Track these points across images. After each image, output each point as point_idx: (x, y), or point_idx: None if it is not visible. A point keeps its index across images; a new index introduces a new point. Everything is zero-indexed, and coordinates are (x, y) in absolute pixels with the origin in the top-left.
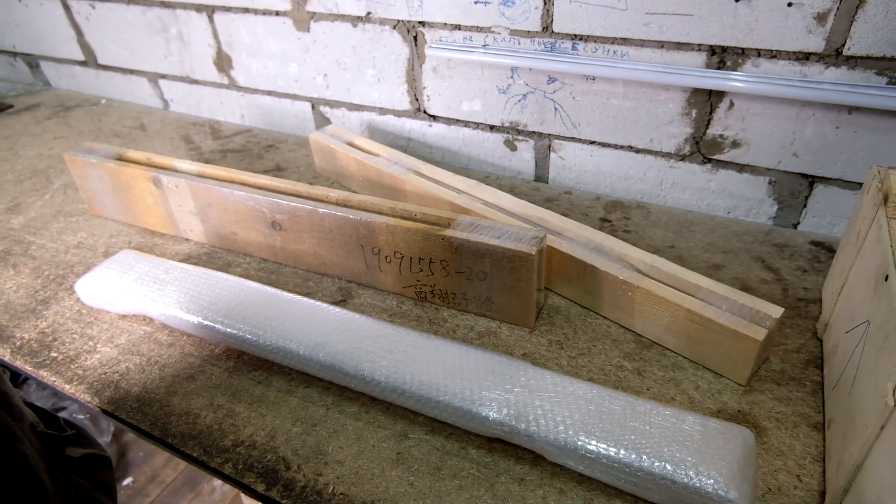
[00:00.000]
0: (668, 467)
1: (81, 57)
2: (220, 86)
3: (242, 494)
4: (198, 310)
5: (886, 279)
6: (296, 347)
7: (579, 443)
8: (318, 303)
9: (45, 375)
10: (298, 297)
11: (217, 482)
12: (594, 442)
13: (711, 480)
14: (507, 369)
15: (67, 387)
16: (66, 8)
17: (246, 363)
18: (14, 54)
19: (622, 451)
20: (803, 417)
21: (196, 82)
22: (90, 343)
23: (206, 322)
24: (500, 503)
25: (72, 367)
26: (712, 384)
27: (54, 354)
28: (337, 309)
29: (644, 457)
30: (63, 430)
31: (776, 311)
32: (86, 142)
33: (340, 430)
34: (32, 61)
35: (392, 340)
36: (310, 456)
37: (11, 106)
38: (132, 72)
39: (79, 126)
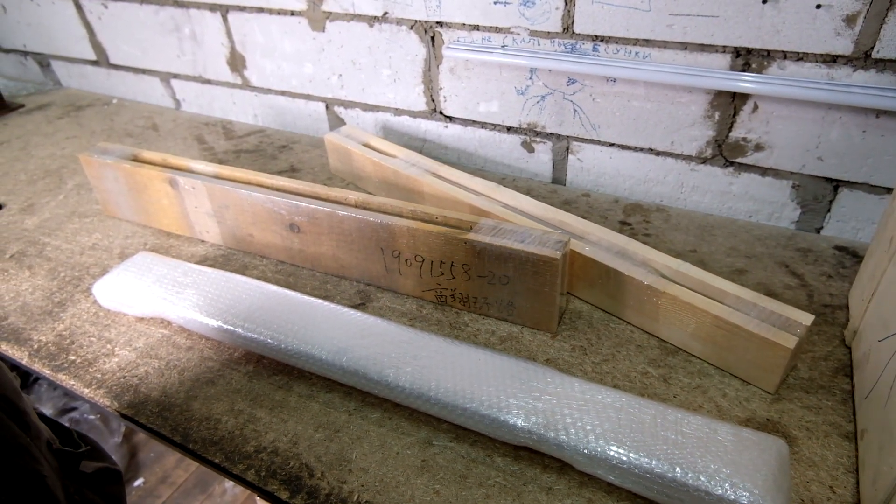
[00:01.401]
0: (702, 479)
1: (93, 56)
2: (234, 86)
3: (259, 501)
4: (217, 313)
5: None
6: (318, 352)
7: (610, 452)
8: (339, 307)
9: (63, 379)
10: (319, 300)
11: (228, 484)
12: (625, 451)
13: (747, 493)
14: (534, 376)
15: (86, 391)
16: (79, 7)
17: (266, 367)
18: (25, 53)
19: (654, 462)
20: (834, 427)
21: (209, 82)
22: (108, 346)
23: (227, 326)
24: None
25: (90, 370)
26: (740, 392)
27: (72, 357)
28: (358, 313)
29: (677, 468)
30: (77, 445)
31: (806, 319)
32: (100, 142)
33: (364, 436)
34: (43, 60)
35: (416, 346)
36: (333, 463)
37: (23, 105)
38: (144, 71)
39: (91, 126)
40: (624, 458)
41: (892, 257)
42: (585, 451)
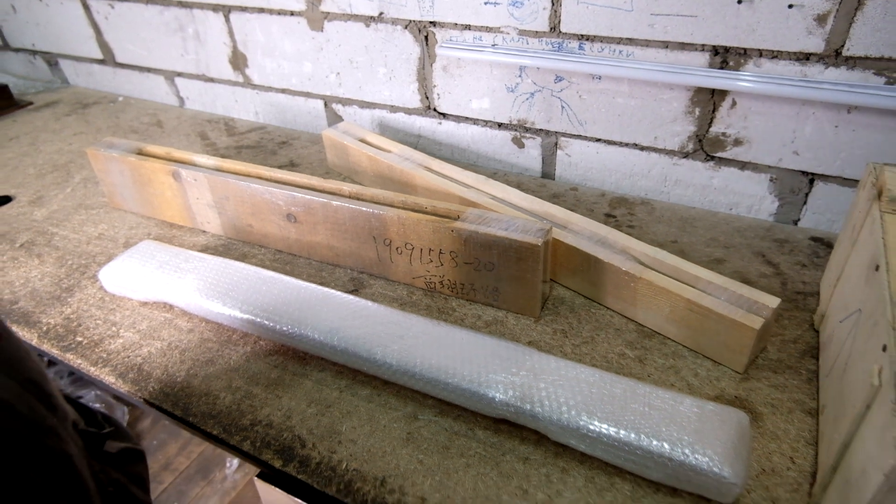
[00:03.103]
0: (666, 446)
1: (100, 55)
2: (235, 84)
3: (256, 480)
4: (217, 297)
5: (877, 269)
6: (311, 333)
7: (581, 423)
8: (332, 291)
9: (70, 358)
10: (312, 285)
11: (228, 470)
12: (596, 422)
13: (706, 458)
14: (513, 354)
15: (93, 369)
16: (86, 7)
17: (262, 348)
18: (34, 53)
19: (622, 431)
20: (798, 404)
21: (211, 80)
22: (113, 328)
23: (225, 309)
24: (505, 480)
25: (96, 350)
26: (711, 372)
27: (79, 339)
28: (350, 297)
29: (643, 436)
30: (102, 426)
31: (773, 302)
32: (106, 137)
33: (353, 411)
34: (51, 59)
35: (403, 326)
36: (324, 435)
37: (31, 103)
38: (149, 70)
39: (97, 123)
40: (594, 429)
41: (854, 243)
42: (559, 421)
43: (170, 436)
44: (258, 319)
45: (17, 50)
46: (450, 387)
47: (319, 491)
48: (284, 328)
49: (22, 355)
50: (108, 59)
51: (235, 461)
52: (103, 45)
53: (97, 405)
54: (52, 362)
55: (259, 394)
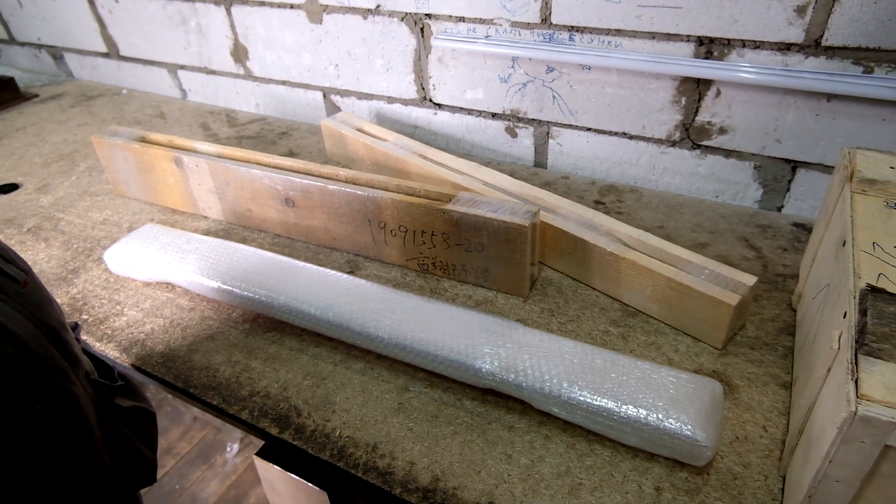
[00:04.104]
0: (642, 412)
1: (104, 49)
2: (237, 76)
3: (256, 459)
4: (217, 276)
5: (844, 244)
6: (307, 308)
7: (563, 391)
8: (327, 270)
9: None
10: (308, 264)
11: (229, 455)
12: (576, 390)
13: (680, 423)
14: (500, 328)
15: (98, 344)
16: (91, 2)
17: (261, 325)
18: (39, 46)
19: (601, 399)
20: (773, 377)
21: (213, 73)
22: (117, 307)
23: (225, 286)
24: (490, 447)
25: (101, 327)
26: (691, 348)
27: (85, 316)
28: (343, 275)
29: (620, 403)
30: (115, 380)
31: (750, 280)
32: (111, 125)
33: (347, 383)
34: (56, 53)
35: (395, 303)
36: (319, 405)
37: (37, 95)
38: (152, 63)
39: (101, 114)
40: (574, 396)
41: (828, 224)
42: (541, 390)
43: (172, 421)
44: (257, 296)
45: (23, 44)
46: (439, 358)
47: (316, 467)
48: (281, 304)
49: (44, 303)
50: (112, 52)
51: (236, 446)
52: (108, 39)
53: None
54: None
55: (257, 367)
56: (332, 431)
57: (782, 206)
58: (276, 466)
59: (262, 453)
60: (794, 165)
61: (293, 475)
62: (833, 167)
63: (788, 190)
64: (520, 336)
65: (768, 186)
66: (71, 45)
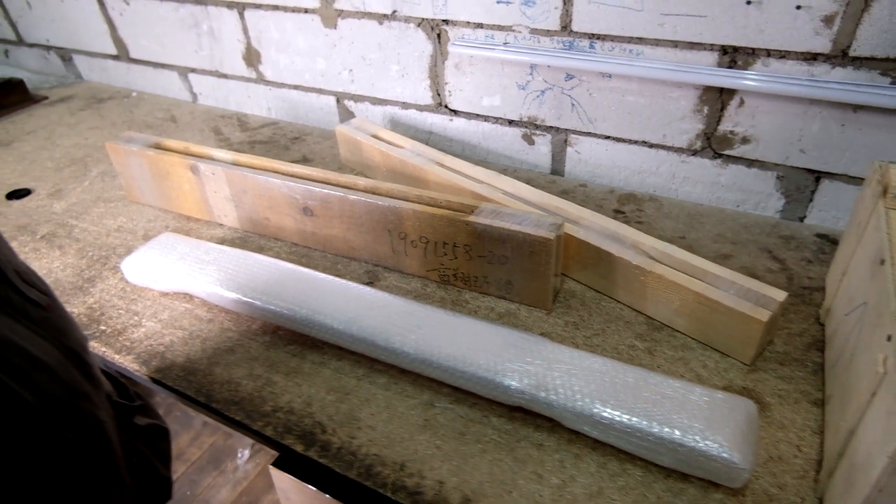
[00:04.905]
0: (677, 433)
1: (114, 51)
2: (248, 80)
3: (271, 469)
4: (238, 287)
5: (882, 263)
6: (331, 322)
7: (595, 410)
8: (349, 282)
9: (95, 346)
10: (331, 276)
11: (240, 461)
12: (609, 409)
13: (716, 444)
14: (527, 344)
15: (117, 357)
16: (101, 3)
17: (281, 338)
18: (48, 48)
19: (635, 418)
20: (804, 395)
21: (225, 76)
22: (135, 318)
23: (246, 299)
24: (520, 465)
25: (120, 339)
26: (719, 363)
27: (103, 328)
28: (367, 288)
29: (655, 423)
30: (133, 399)
31: (780, 295)
32: (126, 131)
33: (371, 398)
34: (65, 55)
35: (420, 317)
36: (343, 421)
37: (46, 98)
38: (163, 66)
39: (112, 117)
40: (607, 416)
41: (860, 239)
42: (573, 409)
43: (182, 427)
44: (279, 309)
45: (32, 45)
46: (466, 375)
47: (332, 479)
48: (305, 317)
49: (66, 326)
50: (122, 54)
51: (247, 452)
52: (118, 41)
53: None
54: None
55: (279, 381)
56: (359, 449)
57: (804, 217)
58: (291, 477)
59: (277, 463)
60: (818, 176)
61: (309, 486)
62: (858, 178)
63: (811, 200)
64: (548, 352)
65: (791, 196)
66: (80, 46)
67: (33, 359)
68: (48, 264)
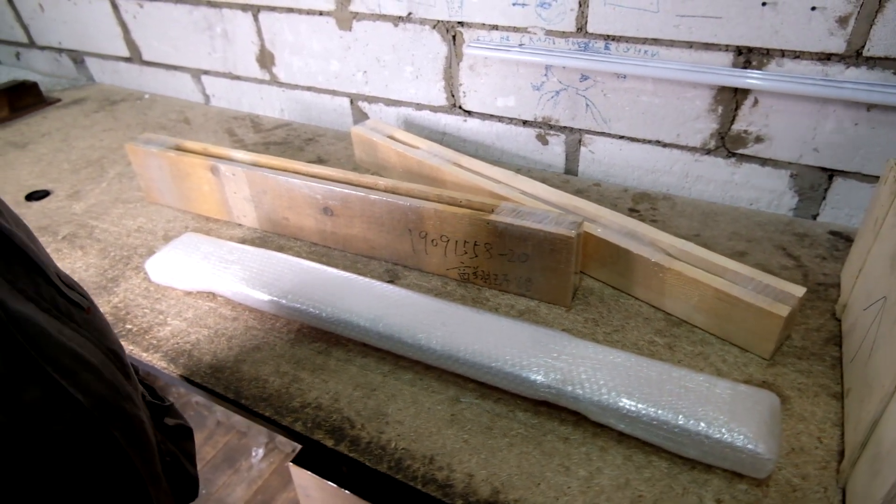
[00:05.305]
0: (703, 425)
1: (127, 53)
2: (262, 81)
3: (290, 466)
4: (263, 286)
5: None
6: (357, 320)
7: (621, 403)
8: (373, 280)
9: (122, 345)
10: (354, 275)
11: (254, 459)
12: (634, 402)
13: (742, 436)
14: (551, 340)
15: (144, 355)
16: (114, 6)
17: (306, 335)
18: (60, 50)
19: (660, 411)
20: (823, 388)
21: (238, 78)
22: (160, 317)
23: (272, 297)
24: (547, 458)
25: (146, 337)
26: (738, 358)
27: (129, 326)
28: (390, 286)
29: (680, 416)
30: (163, 400)
31: (798, 291)
32: (142, 133)
33: (398, 394)
34: (77, 57)
35: (445, 314)
36: (371, 416)
37: (59, 100)
38: (176, 68)
39: (125, 119)
40: (633, 409)
41: (877, 236)
42: (599, 402)
43: (196, 426)
44: (305, 307)
45: (44, 48)
46: (493, 370)
47: (351, 475)
48: (331, 316)
49: (105, 328)
50: (134, 56)
51: (261, 451)
52: (130, 44)
53: None
54: None
55: (306, 378)
56: (388, 443)
57: (817, 214)
58: (311, 473)
59: (297, 460)
60: (831, 174)
61: (329, 482)
62: (871, 176)
63: (824, 198)
64: (572, 347)
65: (804, 194)
66: (92, 49)
67: (81, 360)
68: (71, 264)
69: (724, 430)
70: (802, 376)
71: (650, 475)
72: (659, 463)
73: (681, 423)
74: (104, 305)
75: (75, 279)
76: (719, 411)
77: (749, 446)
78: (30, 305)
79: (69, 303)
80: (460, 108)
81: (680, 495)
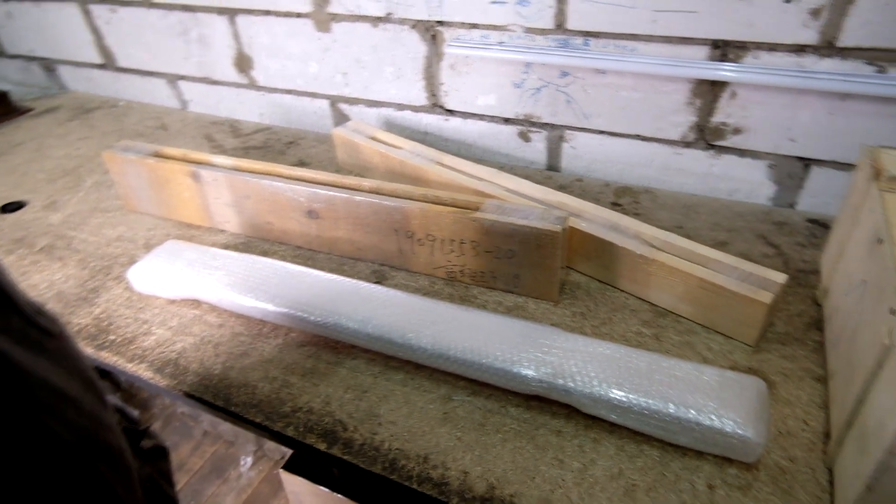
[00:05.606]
0: (693, 412)
1: (100, 60)
2: (240, 86)
3: (281, 472)
4: (250, 292)
5: (880, 242)
6: (345, 322)
7: (612, 394)
8: (360, 282)
9: (105, 356)
10: (341, 277)
11: (243, 468)
12: (625, 393)
13: (731, 422)
14: (541, 334)
15: (129, 365)
16: (86, 13)
17: (294, 340)
18: (31, 58)
19: (651, 400)
20: (807, 372)
21: (216, 83)
22: (144, 326)
23: (259, 303)
24: (541, 452)
25: (130, 347)
26: (724, 346)
27: (112, 337)
28: (378, 287)
29: (671, 404)
30: (137, 423)
31: (780, 278)
32: (118, 141)
33: (389, 395)
34: (49, 65)
35: (434, 313)
36: (364, 418)
37: (31, 109)
38: (151, 74)
39: (101, 127)
40: (624, 399)
41: (855, 222)
42: (591, 394)
43: (182, 437)
44: (293, 312)
45: (14, 56)
46: (484, 367)
47: (344, 479)
48: (319, 319)
49: (78, 354)
50: (108, 63)
51: (249, 459)
52: (104, 50)
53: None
54: None
55: (296, 382)
56: (381, 444)
57: (795, 203)
58: (303, 479)
59: (288, 466)
60: (808, 163)
61: (322, 487)
62: (846, 164)
63: (802, 187)
64: (562, 341)
65: (782, 184)
66: (64, 56)
67: (60, 393)
68: (49, 276)
69: (713, 417)
70: (787, 361)
71: (643, 464)
72: (651, 451)
73: (671, 411)
74: (85, 317)
75: (54, 292)
76: (708, 398)
77: (738, 431)
78: (1, 338)
79: (40, 331)
80: (442, 107)
81: (672, 482)
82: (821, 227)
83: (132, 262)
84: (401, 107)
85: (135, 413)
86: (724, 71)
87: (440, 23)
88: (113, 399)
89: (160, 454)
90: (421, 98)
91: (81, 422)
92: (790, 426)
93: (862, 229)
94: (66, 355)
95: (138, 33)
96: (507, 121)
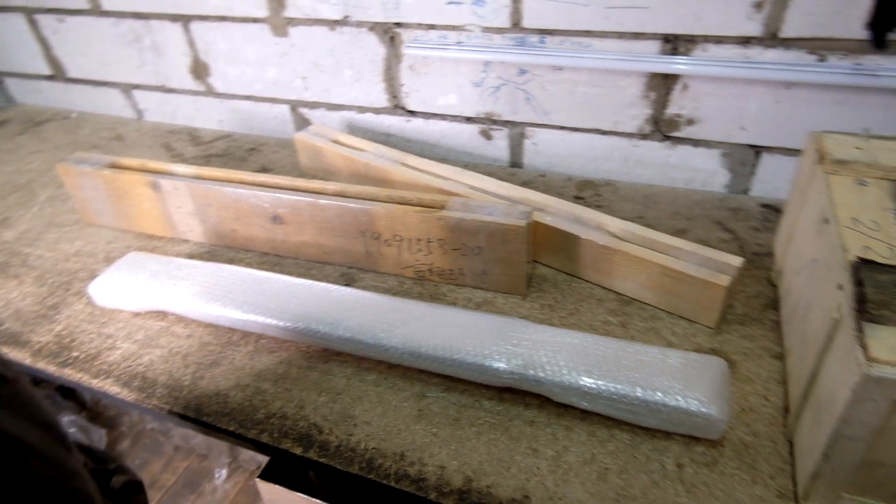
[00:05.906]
0: (659, 395)
1: (49, 71)
2: (197, 93)
3: (258, 481)
4: (217, 300)
5: (826, 222)
6: (316, 326)
7: (581, 382)
8: (329, 284)
9: (69, 374)
10: (309, 280)
11: (218, 481)
12: (594, 380)
13: (696, 401)
14: (511, 327)
15: (95, 381)
16: (32, 23)
17: (264, 346)
18: None
19: (619, 385)
20: (766, 350)
21: (172, 91)
22: (109, 341)
23: (227, 311)
24: (515, 443)
25: (95, 363)
26: (687, 329)
27: (75, 354)
28: (347, 289)
29: (638, 388)
30: (106, 463)
31: (737, 261)
32: (72, 153)
33: (363, 395)
34: None
35: (404, 312)
36: (339, 420)
37: None
38: (104, 84)
39: (53, 140)
40: (594, 386)
41: (803, 204)
42: (561, 383)
43: (152, 454)
44: (262, 318)
45: None
46: (456, 362)
47: (321, 484)
48: (290, 324)
49: (36, 398)
50: (58, 74)
51: (224, 472)
52: (52, 61)
53: (72, 430)
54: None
55: (269, 389)
56: (357, 445)
57: (748, 189)
58: (280, 487)
59: (265, 475)
60: (758, 150)
61: (300, 494)
62: (794, 150)
63: (754, 173)
64: (531, 333)
65: (735, 171)
66: (10, 68)
67: (20, 444)
68: (6, 295)
69: (679, 398)
70: (746, 341)
71: (614, 448)
72: (621, 435)
73: (639, 394)
74: (46, 335)
75: (11, 310)
76: (673, 380)
77: (703, 410)
78: None
79: None
80: (403, 108)
81: (643, 463)
82: (773, 211)
83: (93, 276)
84: (362, 109)
85: (101, 449)
86: (675, 64)
87: (398, 24)
88: (78, 437)
89: (134, 489)
90: (382, 100)
91: (46, 473)
92: (752, 402)
93: (810, 211)
94: (22, 401)
95: (88, 42)
96: (468, 120)
